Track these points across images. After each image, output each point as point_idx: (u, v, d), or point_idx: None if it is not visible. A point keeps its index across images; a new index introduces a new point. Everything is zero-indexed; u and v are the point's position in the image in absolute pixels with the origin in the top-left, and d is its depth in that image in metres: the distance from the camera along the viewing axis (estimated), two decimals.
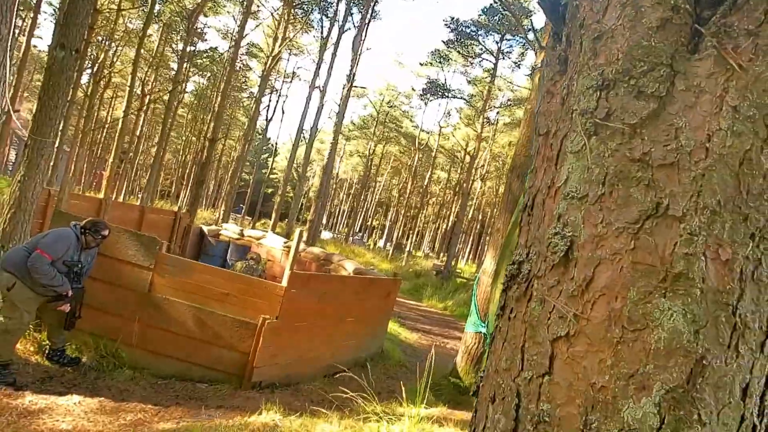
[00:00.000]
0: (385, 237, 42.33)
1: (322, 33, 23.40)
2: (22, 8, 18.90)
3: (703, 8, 0.81)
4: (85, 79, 20.98)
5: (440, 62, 29.40)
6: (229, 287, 5.03)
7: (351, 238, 36.58)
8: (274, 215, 22.26)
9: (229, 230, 10.60)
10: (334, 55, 21.18)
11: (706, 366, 0.72)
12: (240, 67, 30.60)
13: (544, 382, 0.79)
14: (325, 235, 33.79)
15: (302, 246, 10.23)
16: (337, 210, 56.13)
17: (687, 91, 0.79)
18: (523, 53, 26.85)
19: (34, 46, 28.46)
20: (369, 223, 51.61)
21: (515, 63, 28.36)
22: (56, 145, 11.63)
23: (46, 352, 4.49)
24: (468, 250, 42.63)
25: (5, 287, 3.96)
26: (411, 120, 40.94)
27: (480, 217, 41.03)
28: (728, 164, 0.75)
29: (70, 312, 4.34)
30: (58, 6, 21.25)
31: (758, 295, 0.74)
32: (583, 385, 0.76)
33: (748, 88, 0.76)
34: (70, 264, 4.26)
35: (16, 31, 5.00)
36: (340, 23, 21.69)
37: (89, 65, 20.53)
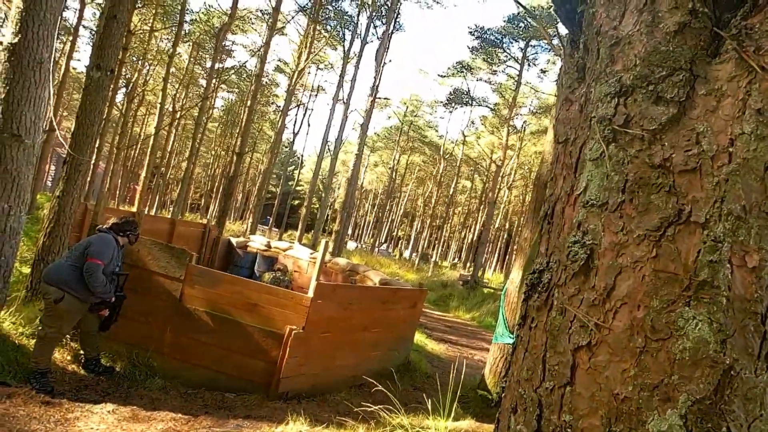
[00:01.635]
0: (410, 247, 42.20)
1: (344, 46, 23.75)
2: (62, 33, 19.87)
3: (723, 11, 0.79)
4: (119, 97, 21.84)
5: (463, 71, 29.36)
6: (256, 298, 5.10)
7: (377, 248, 36.60)
8: (300, 226, 22.52)
9: (257, 242, 10.77)
10: (357, 67, 21.43)
11: (734, 377, 0.69)
12: (266, 82, 31.28)
13: (566, 392, 0.78)
14: (351, 245, 33.93)
15: (328, 257, 10.30)
16: (363, 221, 56.33)
17: (708, 95, 0.77)
18: (549, 60, 26.59)
19: (74, 68, 29.79)
20: (395, 234, 51.58)
21: (541, 70, 28.09)
22: (93, 161, 12.09)
23: (82, 361, 4.63)
24: (495, 259, 42.05)
25: (52, 300, 4.12)
26: (435, 129, 40.94)
27: (507, 227, 40.48)
28: (753, 169, 0.72)
29: (109, 316, 4.51)
30: (94, 29, 22.25)
31: None
32: (606, 395, 0.74)
33: None
34: (118, 273, 4.46)
35: (57, 54, 5.27)
36: (362, 36, 21.98)
37: (124, 84, 21.37)
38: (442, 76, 30.81)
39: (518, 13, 23.70)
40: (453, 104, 32.18)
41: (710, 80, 0.78)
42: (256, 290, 5.24)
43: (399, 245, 49.33)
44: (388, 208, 45.03)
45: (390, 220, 49.54)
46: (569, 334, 0.81)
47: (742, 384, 0.70)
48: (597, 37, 0.92)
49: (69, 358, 4.73)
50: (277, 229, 32.27)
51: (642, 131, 0.80)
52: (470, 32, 25.95)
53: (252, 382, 4.97)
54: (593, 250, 0.81)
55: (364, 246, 38.64)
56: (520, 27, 24.17)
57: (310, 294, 5.15)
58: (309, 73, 30.77)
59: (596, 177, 0.84)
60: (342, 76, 22.40)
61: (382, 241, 46.29)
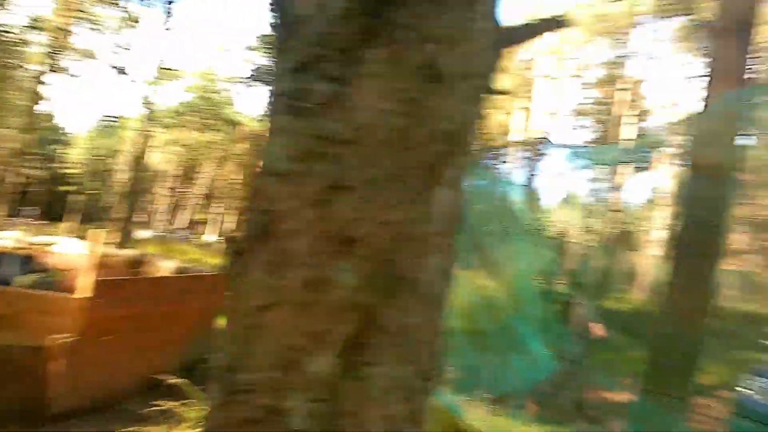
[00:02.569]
0: (214, 230, 40.08)
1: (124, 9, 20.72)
2: None
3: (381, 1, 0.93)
4: None
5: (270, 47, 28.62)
6: (5, 308, 4.27)
7: (174, 234, 33.70)
8: (75, 216, 19.25)
9: (6, 238, 8.85)
10: (141, 34, 18.98)
11: (375, 315, 0.85)
12: (15, 42, 25.43)
13: (251, 353, 0.86)
14: (142, 234, 30.39)
15: (112, 249, 9.16)
16: (156, 206, 51.00)
17: (365, 75, 0.91)
18: None
19: None
20: (195, 218, 48.12)
21: None
22: None
23: None
24: None
25: None
26: (233, 106, 39.12)
27: None
28: (392, 140, 0.89)
29: None
30: None
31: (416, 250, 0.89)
32: (284, 350, 0.84)
33: (410, 76, 0.91)
34: None
35: None
36: None
37: None
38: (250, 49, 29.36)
39: None
40: (256, 81, 31.19)
41: (367, 62, 0.92)
42: (2, 299, 4.38)
43: (202, 229, 46.32)
44: (186, 190, 41.75)
45: (189, 203, 46.07)
46: (256, 297, 0.89)
47: (381, 320, 0.86)
48: (281, 17, 1.00)
49: None
50: (48, 221, 26.94)
51: (312, 105, 0.90)
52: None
53: (19, 411, 4.16)
54: (273, 215, 0.89)
55: (159, 233, 34.97)
56: None
57: (83, 294, 4.52)
58: (76, 33, 25.97)
59: (275, 147, 0.93)
60: (123, 42, 19.58)
61: (181, 226, 42.88)
